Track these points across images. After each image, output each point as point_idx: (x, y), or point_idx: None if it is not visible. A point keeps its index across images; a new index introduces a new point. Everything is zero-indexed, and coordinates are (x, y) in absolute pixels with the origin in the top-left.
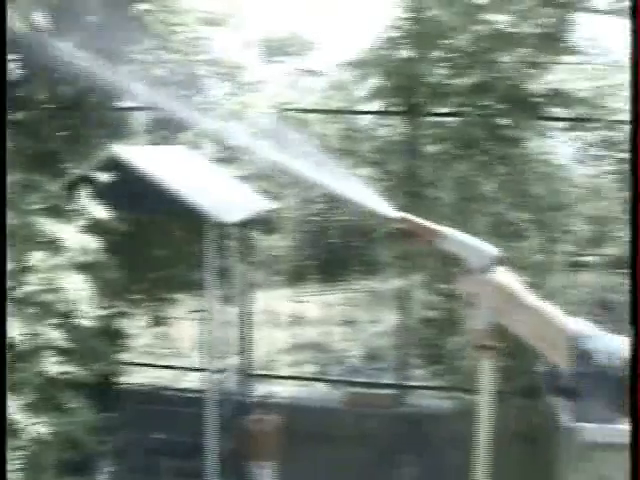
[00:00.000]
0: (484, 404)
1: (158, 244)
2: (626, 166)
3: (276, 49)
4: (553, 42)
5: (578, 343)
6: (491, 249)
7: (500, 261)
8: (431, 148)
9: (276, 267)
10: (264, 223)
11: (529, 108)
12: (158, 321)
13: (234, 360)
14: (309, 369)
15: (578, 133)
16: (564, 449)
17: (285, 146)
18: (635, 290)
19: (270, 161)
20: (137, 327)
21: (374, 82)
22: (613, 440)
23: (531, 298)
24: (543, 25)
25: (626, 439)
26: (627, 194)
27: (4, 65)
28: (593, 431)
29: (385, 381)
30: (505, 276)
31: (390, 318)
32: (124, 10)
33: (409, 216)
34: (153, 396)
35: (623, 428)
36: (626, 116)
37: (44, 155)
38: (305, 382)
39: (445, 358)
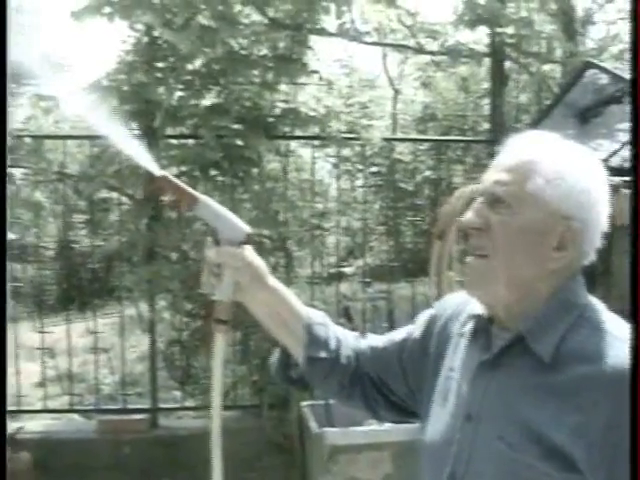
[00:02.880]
0: (216, 380)
1: None
2: (378, 179)
3: (25, 73)
4: (288, 63)
5: (313, 330)
6: (243, 225)
7: (250, 239)
8: (172, 170)
9: (28, 297)
10: (16, 252)
11: (265, 128)
12: None
13: None
14: (63, 401)
15: (332, 149)
16: (315, 455)
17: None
18: (635, 291)
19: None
20: None
21: (112, 106)
22: (356, 442)
23: (274, 280)
24: (276, 47)
25: (368, 440)
26: (379, 206)
27: (4, 64)
28: (338, 435)
29: (140, 406)
30: (252, 254)
31: (143, 342)
32: None
33: (169, 177)
34: None
35: (364, 430)
36: (377, 132)
37: None
38: (58, 414)
39: (196, 378)
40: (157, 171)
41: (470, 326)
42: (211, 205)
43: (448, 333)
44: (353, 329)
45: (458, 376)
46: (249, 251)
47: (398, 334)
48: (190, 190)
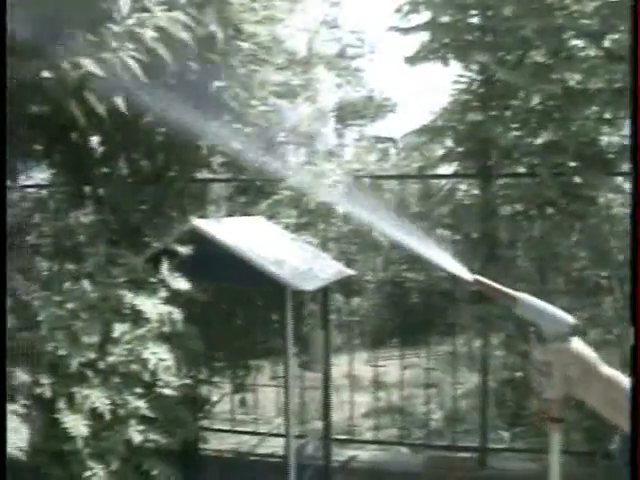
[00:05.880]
0: (553, 477)
1: (239, 313)
2: None
3: (351, 114)
4: (624, 97)
5: None
6: (567, 317)
7: (576, 330)
8: (505, 209)
9: (357, 330)
10: (343, 287)
11: (602, 165)
12: (240, 388)
13: (316, 425)
14: (390, 433)
15: None
16: None
17: (362, 211)
18: (635, 290)
19: (349, 226)
20: (219, 394)
21: (447, 146)
22: None
23: (605, 367)
24: (613, 80)
25: None
26: None
27: (4, 65)
28: None
29: (467, 444)
30: (581, 346)
31: (471, 380)
32: (201, 88)
33: (482, 279)
34: (236, 462)
35: None
36: None
37: (126, 229)
38: (386, 446)
39: (526, 419)
40: (468, 276)
41: None
42: (530, 302)
43: None
44: None
45: None
46: (577, 343)
47: None
48: (506, 290)
